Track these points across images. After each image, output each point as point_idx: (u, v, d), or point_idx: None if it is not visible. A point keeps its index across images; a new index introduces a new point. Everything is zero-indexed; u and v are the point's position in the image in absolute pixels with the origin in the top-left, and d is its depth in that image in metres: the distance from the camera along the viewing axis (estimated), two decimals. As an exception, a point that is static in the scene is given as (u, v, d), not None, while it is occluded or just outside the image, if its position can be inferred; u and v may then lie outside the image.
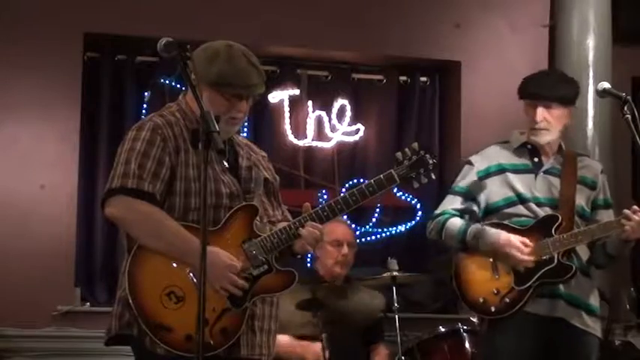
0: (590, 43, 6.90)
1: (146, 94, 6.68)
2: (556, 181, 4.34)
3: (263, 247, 3.45)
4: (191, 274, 3.35)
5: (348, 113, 7.05)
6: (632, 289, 6.73)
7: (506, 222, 4.30)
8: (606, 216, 4.37)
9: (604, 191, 4.44)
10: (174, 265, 3.36)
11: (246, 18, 6.63)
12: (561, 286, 4.25)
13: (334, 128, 7.04)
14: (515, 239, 4.21)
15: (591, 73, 6.84)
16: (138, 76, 6.75)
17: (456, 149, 6.99)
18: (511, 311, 4.22)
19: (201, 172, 3.04)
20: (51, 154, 6.35)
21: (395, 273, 5.51)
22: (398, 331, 5.35)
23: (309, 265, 6.14)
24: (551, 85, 4.31)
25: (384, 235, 6.98)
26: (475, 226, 4.31)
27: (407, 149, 3.59)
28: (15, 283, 6.17)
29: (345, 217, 5.97)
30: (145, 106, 6.65)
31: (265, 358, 3.49)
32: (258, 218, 3.48)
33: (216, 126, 3.05)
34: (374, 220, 6.94)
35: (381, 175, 3.56)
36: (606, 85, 4.11)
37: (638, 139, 3.91)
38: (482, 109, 7.00)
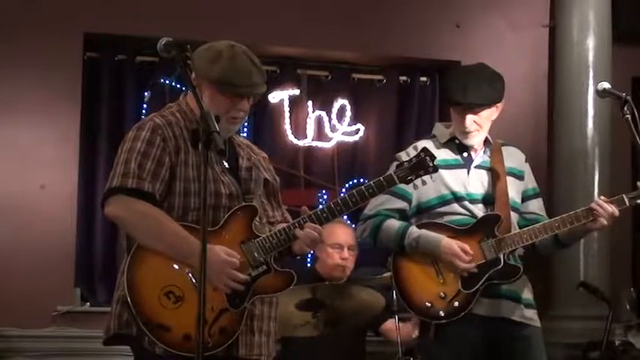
0: (590, 43, 6.91)
1: (146, 94, 6.68)
2: (488, 175, 4.26)
3: (262, 247, 3.44)
4: (190, 274, 3.35)
5: (348, 113, 7.05)
6: (632, 289, 6.73)
7: (442, 221, 4.19)
8: (537, 206, 4.33)
9: (531, 180, 4.38)
10: (173, 265, 3.36)
11: (246, 18, 6.64)
12: (502, 286, 4.18)
13: (334, 128, 7.04)
14: (457, 247, 4.11)
15: (591, 73, 6.85)
16: (138, 76, 6.75)
17: (456, 149, 6.99)
18: (460, 315, 4.12)
19: (201, 173, 3.05)
20: (51, 154, 6.35)
21: (395, 273, 5.50)
22: (398, 330, 5.34)
23: (308, 264, 6.15)
24: (478, 92, 4.16)
25: (384, 235, 6.97)
26: (413, 230, 4.18)
27: (407, 151, 3.59)
28: (15, 283, 6.17)
29: (345, 216, 5.97)
30: (145, 106, 6.65)
31: (264, 359, 3.49)
32: (257, 219, 3.48)
33: (217, 126, 3.05)
34: (374, 220, 6.93)
35: (381, 177, 3.57)
36: (606, 85, 4.10)
37: (638, 139, 3.91)
38: (482, 109, 6.99)
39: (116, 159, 3.45)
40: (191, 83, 3.26)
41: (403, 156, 4.08)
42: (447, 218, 4.20)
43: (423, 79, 7.30)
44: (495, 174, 4.26)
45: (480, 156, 4.30)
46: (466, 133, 4.24)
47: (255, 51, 3.58)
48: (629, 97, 3.96)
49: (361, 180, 6.77)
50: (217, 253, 3.33)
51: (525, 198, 4.34)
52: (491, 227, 4.16)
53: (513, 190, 4.28)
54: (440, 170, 4.09)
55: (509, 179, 4.28)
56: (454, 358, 4.17)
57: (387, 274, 5.48)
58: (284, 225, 3.52)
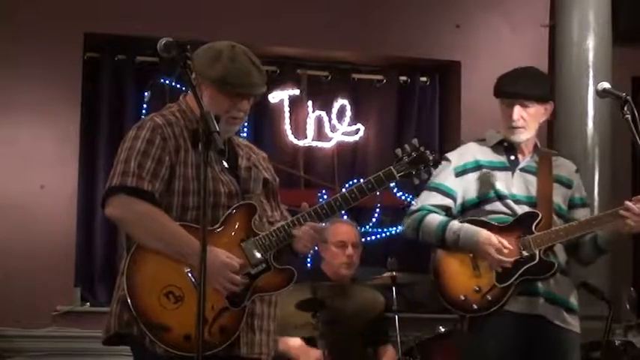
0: (590, 43, 6.91)
1: (146, 94, 6.69)
2: (533, 179, 4.31)
3: (261, 245, 3.44)
4: (189, 274, 3.35)
5: (348, 113, 7.06)
6: (632, 289, 6.73)
7: (484, 218, 4.25)
8: (583, 214, 4.35)
9: (580, 190, 4.42)
10: (173, 264, 3.35)
11: (246, 18, 6.64)
12: (539, 284, 4.21)
13: (334, 128, 7.04)
14: (496, 239, 4.16)
15: (591, 73, 6.85)
16: (138, 76, 6.76)
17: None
18: (493, 308, 4.17)
19: (201, 172, 3.05)
20: (51, 154, 6.35)
21: (395, 273, 5.51)
22: (398, 331, 5.35)
23: (309, 265, 6.16)
24: (526, 84, 4.28)
25: (384, 235, 6.98)
26: (454, 223, 4.26)
27: (407, 146, 3.57)
28: (15, 283, 6.17)
29: (345, 216, 5.98)
30: (145, 106, 6.66)
31: (265, 357, 3.49)
32: (257, 217, 3.48)
33: (217, 126, 3.05)
34: (374, 220, 6.94)
35: (380, 172, 3.55)
36: (606, 85, 4.10)
37: (638, 139, 3.90)
38: (482, 109, 6.96)
39: (116, 158, 3.45)
40: (191, 83, 3.26)
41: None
42: (490, 216, 4.26)
43: (423, 79, 7.31)
44: (541, 178, 4.31)
45: (526, 160, 4.36)
46: (513, 129, 4.29)
47: (255, 51, 3.58)
48: (629, 97, 3.96)
49: (361, 180, 6.75)
50: (216, 254, 3.33)
51: (572, 206, 4.38)
52: (529, 224, 4.20)
53: (559, 196, 4.33)
54: (485, 170, 4.28)
55: (556, 185, 4.33)
56: (487, 352, 4.20)
57: (387, 274, 5.51)
58: (283, 222, 3.52)
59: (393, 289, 5.47)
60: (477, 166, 4.32)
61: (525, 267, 4.18)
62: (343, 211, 3.63)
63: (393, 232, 7.00)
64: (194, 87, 3.25)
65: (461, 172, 4.33)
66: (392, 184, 3.69)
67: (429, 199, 4.34)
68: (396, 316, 5.38)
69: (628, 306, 6.60)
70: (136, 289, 3.33)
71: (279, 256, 3.49)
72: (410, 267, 6.07)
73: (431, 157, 3.59)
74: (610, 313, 6.17)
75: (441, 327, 5.54)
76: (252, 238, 3.44)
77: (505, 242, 4.16)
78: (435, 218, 4.29)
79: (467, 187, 4.30)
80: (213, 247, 3.31)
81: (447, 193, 4.32)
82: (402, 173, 3.56)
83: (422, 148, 3.59)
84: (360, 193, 3.52)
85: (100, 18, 6.47)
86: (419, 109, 7.27)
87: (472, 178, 4.31)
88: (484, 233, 4.18)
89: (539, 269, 4.19)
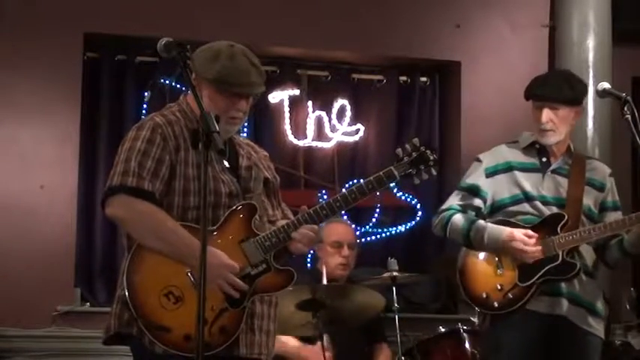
0: (590, 43, 6.91)
1: (146, 94, 6.68)
2: (564, 181, 4.34)
3: (261, 246, 3.44)
4: (189, 274, 3.34)
5: (348, 113, 7.05)
6: (632, 289, 6.73)
7: (511, 220, 4.30)
8: (614, 217, 4.35)
9: (612, 194, 4.43)
10: (173, 264, 3.34)
11: (246, 18, 6.64)
12: (563, 285, 4.24)
13: (334, 128, 7.04)
14: (518, 232, 4.21)
15: (591, 73, 6.84)
16: (138, 76, 6.75)
17: (456, 149, 6.99)
18: (514, 307, 4.22)
19: (201, 172, 3.04)
20: (51, 154, 6.35)
21: (395, 273, 5.51)
22: (398, 331, 5.34)
23: (309, 265, 6.15)
24: (556, 86, 4.31)
25: (384, 235, 6.98)
26: (479, 222, 4.31)
27: (407, 145, 3.55)
28: (15, 283, 6.17)
29: (345, 217, 5.98)
30: (144, 106, 6.65)
31: (265, 358, 3.49)
32: (257, 217, 3.48)
33: (216, 126, 3.05)
34: (374, 220, 6.93)
35: (381, 172, 3.53)
36: (606, 85, 4.12)
37: (638, 139, 3.92)
38: (482, 109, 7.00)
39: (116, 158, 3.45)
40: (191, 83, 3.27)
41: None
42: (517, 217, 4.31)
43: (423, 79, 7.30)
44: (572, 181, 4.33)
45: (558, 162, 4.38)
46: (543, 131, 4.31)
47: (255, 51, 3.59)
48: (629, 97, 3.97)
49: (361, 180, 6.75)
50: (218, 256, 3.32)
51: (603, 209, 4.40)
52: (554, 226, 4.24)
53: (590, 199, 4.35)
54: (515, 172, 4.33)
55: (587, 188, 4.35)
56: (507, 350, 4.23)
57: (387, 274, 5.50)
58: (284, 222, 3.52)
59: (393, 289, 5.46)
60: (508, 167, 4.37)
61: (548, 267, 4.21)
62: (343, 212, 3.62)
63: (393, 232, 6.99)
64: (194, 87, 3.26)
65: (492, 173, 4.38)
66: (392, 185, 3.67)
67: (458, 198, 4.40)
68: (396, 316, 5.38)
69: (628, 306, 6.61)
70: (136, 288, 3.33)
71: (278, 257, 3.49)
72: (410, 267, 6.08)
73: (432, 157, 3.57)
74: (610, 313, 6.17)
75: (441, 327, 5.54)
76: (252, 239, 3.44)
77: (529, 232, 4.21)
78: (462, 218, 4.34)
79: (497, 188, 4.35)
80: (214, 248, 3.32)
81: (477, 194, 4.38)
82: (402, 173, 3.54)
83: (422, 148, 3.56)
84: (361, 193, 3.51)
85: (100, 18, 6.47)
86: (419, 109, 7.27)
87: (503, 178, 4.35)
88: (507, 230, 4.23)
89: (561, 270, 4.22)
